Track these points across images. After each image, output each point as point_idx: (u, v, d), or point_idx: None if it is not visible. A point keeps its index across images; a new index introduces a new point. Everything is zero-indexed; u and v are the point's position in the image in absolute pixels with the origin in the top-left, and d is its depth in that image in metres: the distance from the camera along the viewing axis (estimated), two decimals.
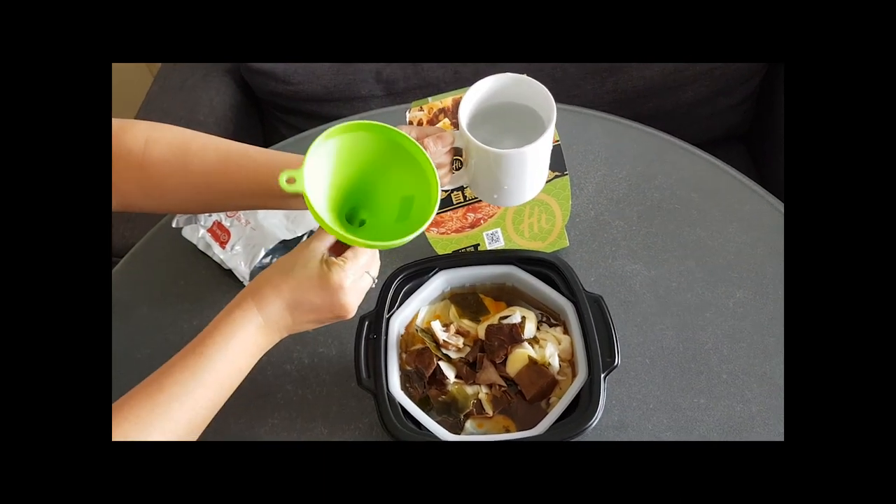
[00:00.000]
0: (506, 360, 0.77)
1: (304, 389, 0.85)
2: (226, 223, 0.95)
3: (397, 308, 0.79)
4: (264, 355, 0.66)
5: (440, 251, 0.90)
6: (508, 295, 0.83)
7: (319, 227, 0.61)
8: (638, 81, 1.27)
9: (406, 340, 0.80)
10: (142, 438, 0.57)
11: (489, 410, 0.76)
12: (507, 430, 0.75)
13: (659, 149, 1.01)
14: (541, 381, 0.75)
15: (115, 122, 0.72)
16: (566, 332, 0.79)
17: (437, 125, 0.80)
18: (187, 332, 0.63)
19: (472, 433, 0.74)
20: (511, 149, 0.67)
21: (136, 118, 1.05)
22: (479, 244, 0.90)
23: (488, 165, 0.69)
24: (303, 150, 0.61)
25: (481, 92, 0.70)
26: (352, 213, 0.67)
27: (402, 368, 0.77)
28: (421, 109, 0.80)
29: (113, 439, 0.55)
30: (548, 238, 0.91)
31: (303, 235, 0.94)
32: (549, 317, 0.81)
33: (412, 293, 0.81)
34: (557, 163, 0.85)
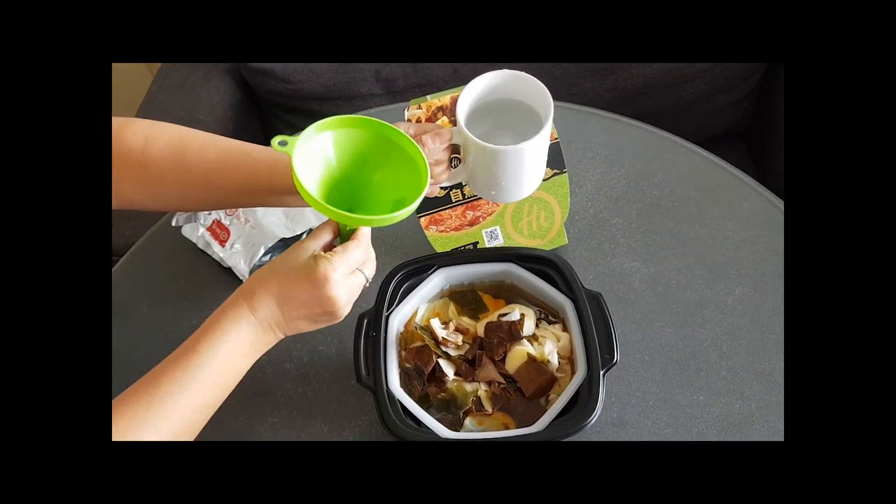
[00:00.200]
0: (505, 357, 0.77)
1: (303, 387, 0.85)
2: (225, 221, 0.95)
3: (396, 306, 0.79)
4: (264, 354, 0.66)
5: (439, 249, 0.90)
6: (507, 292, 0.83)
7: (314, 228, 0.61)
8: (637, 79, 1.27)
9: (405, 338, 0.80)
10: (138, 435, 0.57)
11: (488, 408, 0.76)
12: (507, 427, 0.75)
13: (658, 146, 1.01)
14: (540, 379, 0.75)
15: (115, 121, 0.72)
16: (565, 329, 0.79)
17: (436, 123, 0.80)
18: (187, 330, 0.63)
19: (471, 430, 0.74)
20: (509, 145, 0.67)
21: (136, 117, 1.05)
22: (478, 242, 0.90)
23: (486, 162, 0.69)
24: None
25: (479, 88, 0.70)
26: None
27: (401, 366, 0.78)
28: (420, 107, 0.80)
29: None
30: (547, 236, 0.91)
31: (302, 233, 0.94)
32: (549, 314, 0.81)
33: (411, 291, 0.81)
34: (556, 160, 0.85)
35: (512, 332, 0.77)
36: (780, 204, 0.93)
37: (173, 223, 0.97)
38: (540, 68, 1.23)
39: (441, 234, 0.89)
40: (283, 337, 0.66)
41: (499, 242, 0.90)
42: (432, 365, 0.77)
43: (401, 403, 0.73)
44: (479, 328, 0.80)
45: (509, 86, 0.70)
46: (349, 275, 0.64)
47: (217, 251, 0.93)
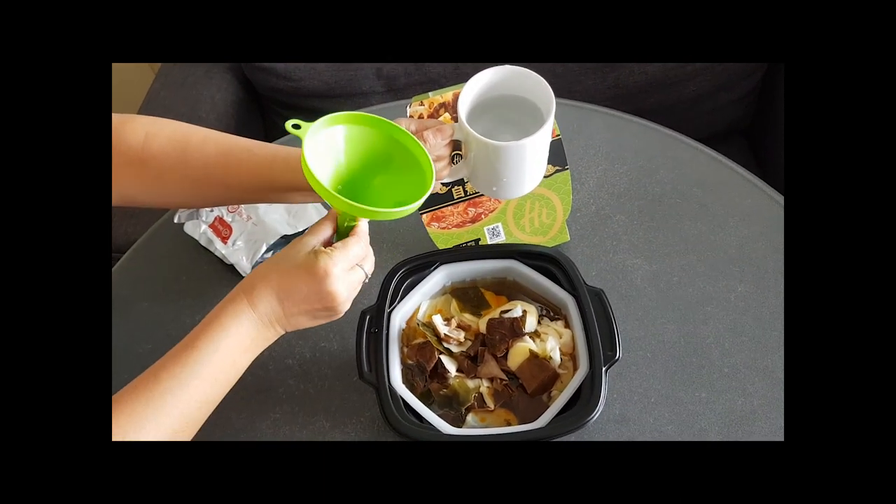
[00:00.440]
0: (507, 353, 0.77)
1: (305, 384, 0.85)
2: (227, 218, 0.95)
3: (398, 302, 0.79)
4: (266, 351, 0.66)
5: (441, 246, 0.90)
6: (509, 289, 0.83)
7: (314, 224, 0.62)
8: (639, 77, 1.27)
9: (407, 335, 0.80)
10: (137, 431, 0.57)
11: (490, 404, 0.76)
12: (509, 424, 0.75)
13: (660, 143, 1.01)
14: (542, 375, 0.75)
15: (115, 117, 0.72)
16: (567, 325, 0.79)
17: (438, 119, 0.80)
18: (189, 327, 0.63)
19: (473, 427, 0.74)
20: (510, 141, 0.67)
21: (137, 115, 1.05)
22: (479, 239, 0.90)
23: (487, 157, 0.69)
24: None
25: (481, 84, 0.70)
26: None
27: (403, 362, 0.78)
28: (421, 104, 0.80)
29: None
30: (549, 232, 0.91)
31: (303, 230, 0.94)
32: (551, 311, 0.81)
33: (413, 287, 0.81)
34: (558, 157, 0.85)
35: (514, 329, 0.77)
36: (783, 201, 0.93)
37: (175, 220, 0.97)
38: (541, 66, 1.24)
39: (443, 231, 0.89)
40: (283, 333, 0.66)
41: (501, 239, 0.90)
42: (434, 361, 0.77)
43: (403, 400, 0.73)
44: (481, 325, 0.80)
45: (511, 82, 0.70)
46: (349, 270, 0.64)
47: (219, 248, 0.93)
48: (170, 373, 0.60)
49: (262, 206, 0.95)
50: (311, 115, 1.32)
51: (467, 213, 0.88)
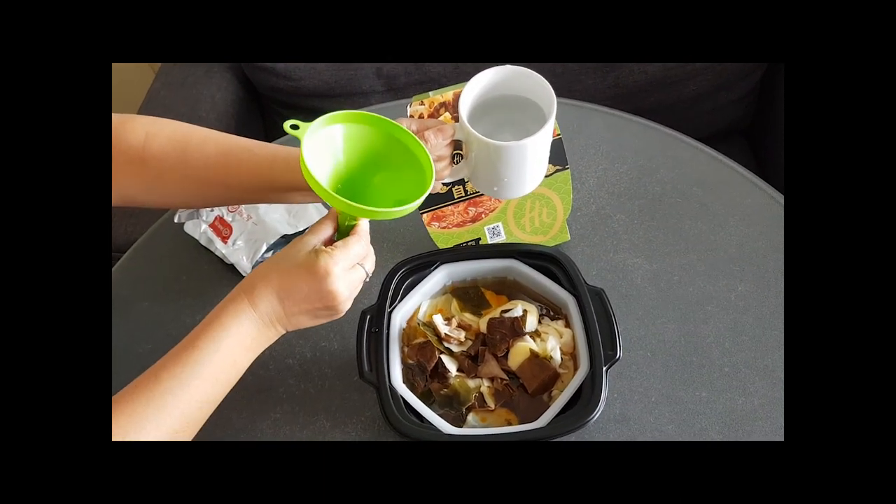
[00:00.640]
0: (507, 353, 0.77)
1: (306, 383, 0.85)
2: (227, 218, 0.95)
3: (399, 302, 0.79)
4: (266, 350, 0.66)
5: (441, 245, 0.90)
6: (510, 289, 0.83)
7: (315, 223, 0.62)
8: (639, 76, 1.27)
9: (408, 334, 0.80)
10: (138, 431, 0.57)
11: (491, 404, 0.76)
12: (510, 423, 0.75)
13: (660, 143, 1.01)
14: (542, 375, 0.75)
15: (115, 117, 0.72)
16: (568, 325, 0.79)
17: (439, 119, 0.80)
18: (189, 327, 0.63)
19: (474, 426, 0.75)
20: (511, 141, 0.67)
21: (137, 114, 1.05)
22: (480, 238, 0.90)
23: (488, 157, 0.69)
24: None
25: (482, 84, 0.70)
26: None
27: (403, 362, 0.78)
28: (422, 104, 0.80)
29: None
30: (549, 232, 0.91)
31: (304, 230, 0.94)
32: (551, 310, 0.81)
33: (414, 287, 0.81)
34: (559, 157, 0.85)
35: (514, 328, 0.77)
36: (783, 200, 0.93)
37: (175, 220, 0.97)
38: (541, 66, 1.23)
39: (443, 231, 0.89)
40: (283, 332, 0.66)
41: (501, 239, 0.90)
42: (435, 361, 0.77)
43: (403, 399, 0.73)
44: (482, 324, 0.80)
45: (512, 82, 0.70)
46: (350, 269, 0.64)
47: (219, 248, 0.93)
48: (170, 373, 0.60)
49: (262, 206, 0.95)
50: (311, 114, 1.32)
51: (468, 213, 0.88)
